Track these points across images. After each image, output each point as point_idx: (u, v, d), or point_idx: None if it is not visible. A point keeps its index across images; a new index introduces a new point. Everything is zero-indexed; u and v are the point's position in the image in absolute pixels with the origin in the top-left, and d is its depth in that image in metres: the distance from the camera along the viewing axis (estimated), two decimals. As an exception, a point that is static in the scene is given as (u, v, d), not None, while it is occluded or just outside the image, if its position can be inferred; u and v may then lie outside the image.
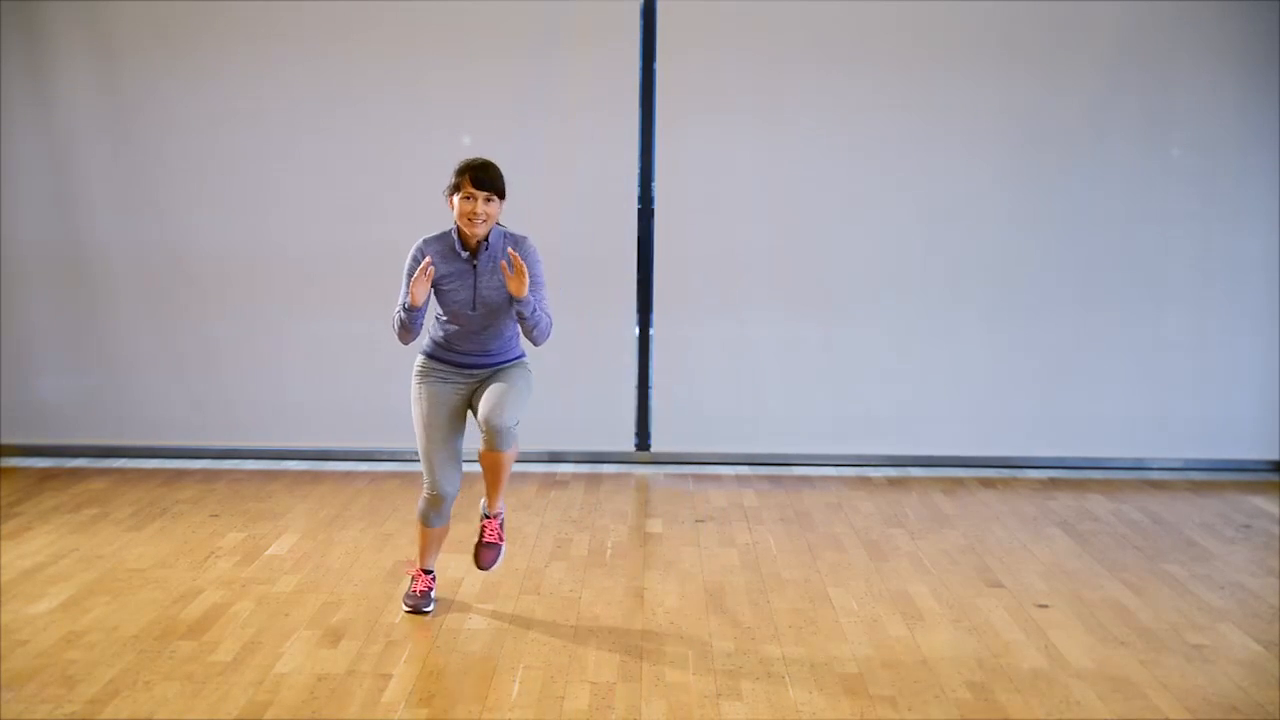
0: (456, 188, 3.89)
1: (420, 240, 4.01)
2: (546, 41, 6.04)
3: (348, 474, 6.07)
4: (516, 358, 4.12)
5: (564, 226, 6.07)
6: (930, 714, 3.42)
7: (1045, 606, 4.27)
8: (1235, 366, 6.22)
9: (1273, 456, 6.26)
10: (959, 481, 6.02)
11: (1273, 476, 6.19)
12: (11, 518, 5.24)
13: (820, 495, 5.74)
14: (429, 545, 4.20)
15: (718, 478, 6.06)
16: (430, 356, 4.07)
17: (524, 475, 6.03)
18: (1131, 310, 6.21)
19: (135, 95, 6.09)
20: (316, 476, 6.02)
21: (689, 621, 4.09)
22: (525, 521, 5.24)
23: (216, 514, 5.33)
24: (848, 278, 6.21)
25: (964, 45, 6.06)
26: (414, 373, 4.08)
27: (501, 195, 3.90)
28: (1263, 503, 5.71)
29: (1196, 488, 5.99)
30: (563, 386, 6.09)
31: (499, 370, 4.06)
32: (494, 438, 3.87)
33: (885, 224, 6.17)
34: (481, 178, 3.85)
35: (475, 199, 3.86)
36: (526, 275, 3.81)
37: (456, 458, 4.05)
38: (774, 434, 6.29)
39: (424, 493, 4.06)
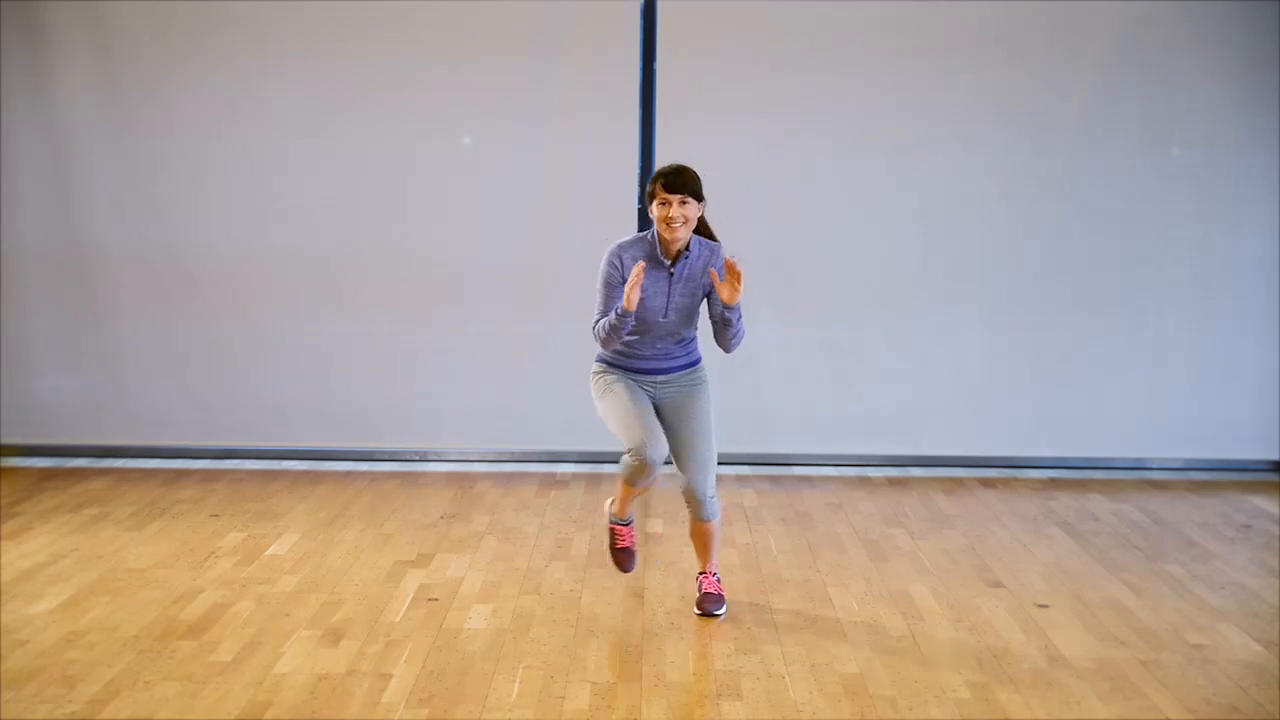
0: (652, 196, 3.92)
1: (614, 246, 4.00)
2: (546, 41, 6.04)
3: (348, 474, 6.07)
4: (695, 362, 4.14)
5: (563, 226, 6.08)
6: (930, 714, 3.41)
7: (1045, 606, 4.27)
8: (1235, 366, 6.22)
9: (1273, 456, 6.26)
10: (959, 481, 6.02)
11: (1273, 476, 6.18)
12: (11, 518, 5.24)
13: (820, 495, 5.74)
14: (630, 499, 4.17)
15: (718, 477, 6.02)
16: (610, 364, 4.10)
17: (524, 475, 6.03)
18: (1131, 310, 6.21)
19: (135, 95, 6.09)
20: (316, 476, 6.02)
21: (689, 621, 4.09)
22: (525, 521, 5.24)
23: (217, 514, 5.33)
24: (848, 277, 6.20)
25: (964, 45, 6.05)
26: (594, 373, 4.12)
27: (698, 197, 3.90)
28: (1263, 503, 5.71)
29: (1196, 488, 5.99)
30: (563, 387, 6.08)
31: (682, 384, 4.10)
32: (699, 509, 4.08)
33: (885, 224, 6.17)
34: (674, 182, 3.87)
35: (670, 203, 3.87)
36: (742, 281, 3.83)
37: (659, 428, 4.00)
38: (774, 434, 6.28)
39: (629, 459, 3.95)
